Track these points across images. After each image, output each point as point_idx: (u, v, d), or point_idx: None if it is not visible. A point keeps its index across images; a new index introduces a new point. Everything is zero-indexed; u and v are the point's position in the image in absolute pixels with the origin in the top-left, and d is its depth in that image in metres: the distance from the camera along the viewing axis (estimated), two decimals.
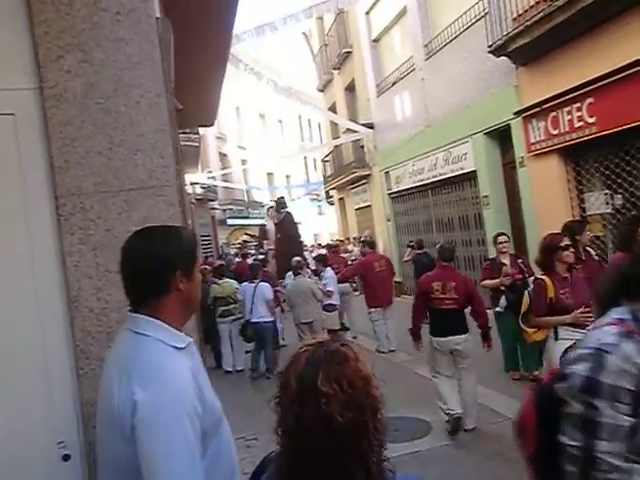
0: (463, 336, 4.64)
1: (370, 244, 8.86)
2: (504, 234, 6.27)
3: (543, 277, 3.68)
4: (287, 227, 10.68)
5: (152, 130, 2.02)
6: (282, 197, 11.76)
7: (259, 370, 7.42)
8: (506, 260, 5.96)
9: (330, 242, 15.84)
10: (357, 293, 10.43)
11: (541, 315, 3.61)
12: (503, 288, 5.76)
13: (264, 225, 11.99)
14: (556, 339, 3.50)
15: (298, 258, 8.68)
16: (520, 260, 6.13)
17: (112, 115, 1.97)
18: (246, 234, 20.45)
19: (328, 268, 8.13)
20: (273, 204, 14.40)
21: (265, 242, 11.85)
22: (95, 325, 1.92)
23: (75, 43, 1.92)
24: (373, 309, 8.04)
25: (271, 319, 7.37)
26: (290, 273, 8.04)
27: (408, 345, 5.76)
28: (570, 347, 1.69)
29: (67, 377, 1.87)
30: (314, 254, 19.08)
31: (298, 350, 1.14)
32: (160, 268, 1.38)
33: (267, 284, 7.50)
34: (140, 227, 1.99)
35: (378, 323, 8.01)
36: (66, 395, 1.86)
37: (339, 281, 8.30)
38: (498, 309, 5.87)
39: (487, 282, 6.04)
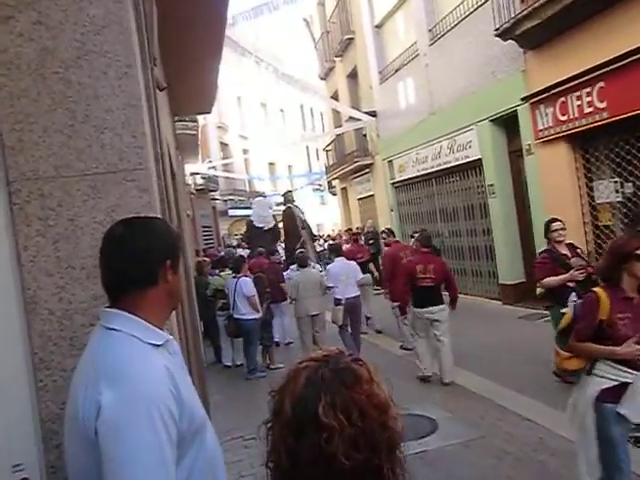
0: (439, 307, 5.77)
1: (392, 232, 8.20)
2: (558, 219, 5.12)
3: (598, 290, 2.75)
4: (286, 223, 10.54)
5: (122, 105, 1.77)
6: (290, 191, 11.59)
7: (252, 368, 7.06)
8: (564, 250, 4.92)
9: (351, 230, 15.30)
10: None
11: (584, 339, 2.75)
12: (572, 285, 4.59)
13: (289, 207, 11.82)
14: (589, 373, 2.74)
15: (302, 249, 8.47)
16: (578, 249, 5.14)
17: (74, 87, 1.71)
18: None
19: (337, 259, 7.29)
20: (259, 199, 14.24)
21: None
22: (56, 330, 1.68)
23: (28, 1, 1.66)
24: (395, 303, 7.12)
25: (254, 316, 6.88)
26: (294, 265, 7.76)
27: None
28: (609, 389, 1.40)
29: (24, 390, 1.63)
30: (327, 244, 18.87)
31: (297, 364, 0.91)
32: (150, 257, 1.29)
33: (248, 279, 6.99)
34: (108, 216, 1.76)
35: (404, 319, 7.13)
36: (23, 411, 1.62)
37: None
38: (566, 310, 4.70)
39: (551, 280, 4.72)
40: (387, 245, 8.09)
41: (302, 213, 10.85)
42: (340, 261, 7.18)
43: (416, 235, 9.50)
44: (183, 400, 1.21)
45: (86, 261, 1.71)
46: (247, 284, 6.87)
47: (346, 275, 6.87)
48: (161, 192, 2.30)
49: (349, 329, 6.86)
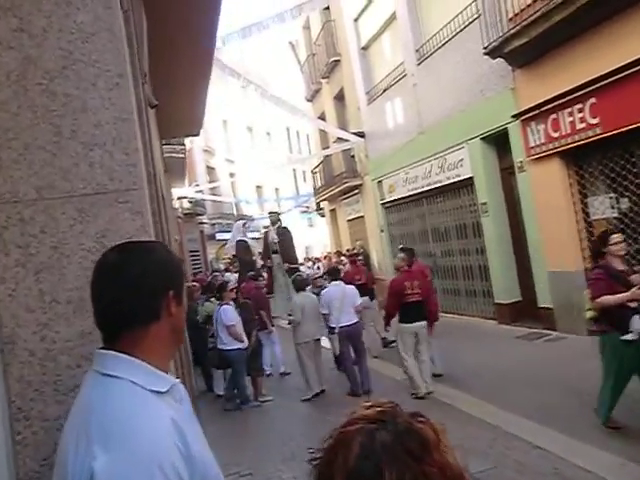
0: (422, 323, 6.01)
1: (410, 251, 6.69)
2: (617, 231, 4.57)
3: None
4: (286, 243, 10.27)
5: (112, 119, 1.59)
6: (274, 212, 11.34)
7: (234, 401, 6.71)
8: (621, 265, 4.32)
9: (348, 250, 15.04)
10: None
11: None
12: (634, 305, 4.05)
13: (244, 240, 11.41)
14: None
15: (300, 273, 8.22)
16: (636, 266, 4.66)
17: (59, 99, 1.54)
18: (223, 251, 20.11)
19: (333, 283, 6.67)
20: (245, 220, 14.03)
21: (255, 257, 11.32)
22: (38, 373, 1.46)
23: (7, 6, 1.49)
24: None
25: (236, 346, 6.43)
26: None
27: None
28: None
29: None
30: (316, 267, 18.60)
31: (348, 420, 0.72)
32: (151, 288, 1.10)
33: (228, 307, 6.58)
34: (98, 242, 1.57)
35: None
36: None
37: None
38: (629, 336, 4.01)
39: (610, 298, 4.10)
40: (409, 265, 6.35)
41: (277, 235, 10.39)
42: (336, 285, 6.67)
43: (401, 253, 9.21)
44: (193, 457, 1.01)
45: (72, 294, 1.51)
46: (227, 312, 6.47)
47: (341, 301, 6.42)
48: (154, 215, 2.12)
49: (350, 359, 6.52)
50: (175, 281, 1.16)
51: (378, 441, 0.66)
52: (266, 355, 7.77)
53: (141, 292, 1.08)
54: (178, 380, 1.17)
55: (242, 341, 6.48)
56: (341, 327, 6.34)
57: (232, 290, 7.10)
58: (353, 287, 6.83)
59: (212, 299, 7.70)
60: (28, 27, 1.52)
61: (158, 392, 1.05)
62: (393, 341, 7.80)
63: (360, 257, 12.08)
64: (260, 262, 11.14)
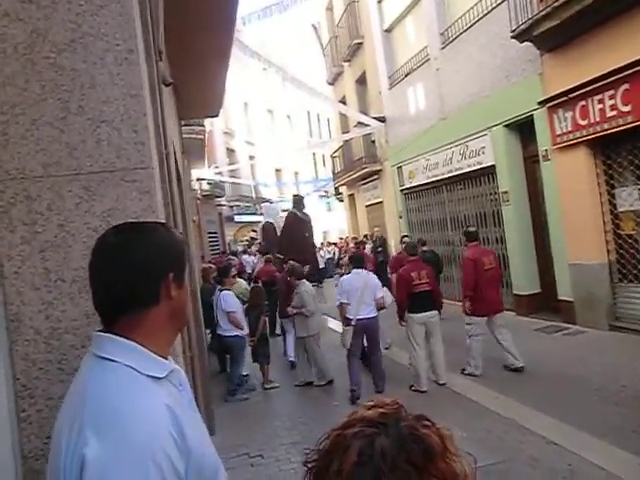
0: (434, 312, 5.97)
1: (473, 234, 6.55)
2: None
3: None
4: (299, 227, 10.06)
5: (121, 95, 1.55)
6: (297, 195, 11.19)
7: (230, 389, 6.52)
8: None
9: (365, 236, 14.87)
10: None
11: None
12: None
13: (271, 222, 11.35)
14: None
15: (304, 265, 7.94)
16: None
17: (67, 74, 1.50)
18: (253, 230, 20.01)
19: (355, 271, 6.12)
20: (268, 202, 13.98)
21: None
22: (43, 352, 1.45)
23: None
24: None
25: (236, 333, 6.30)
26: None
27: None
28: None
29: (4, 422, 1.40)
30: (328, 252, 18.54)
31: (347, 421, 0.67)
32: (151, 270, 1.07)
33: (229, 293, 6.43)
34: (104, 221, 1.54)
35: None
36: (2, 446, 1.39)
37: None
38: None
39: None
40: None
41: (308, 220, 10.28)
42: (357, 274, 6.06)
43: (405, 240, 8.97)
44: (189, 447, 0.98)
45: (78, 273, 1.49)
46: (227, 298, 6.34)
47: (361, 291, 5.86)
48: (165, 195, 2.08)
49: (358, 355, 6.06)
50: (176, 264, 1.11)
51: (378, 447, 0.61)
52: (290, 342, 7.50)
53: (140, 275, 1.05)
54: (177, 366, 1.14)
55: (242, 328, 6.35)
56: (359, 319, 5.84)
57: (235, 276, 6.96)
58: (376, 277, 6.28)
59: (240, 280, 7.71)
60: None
61: (155, 377, 1.02)
62: (387, 348, 7.70)
63: (373, 244, 11.98)
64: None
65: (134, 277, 1.05)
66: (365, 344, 6.19)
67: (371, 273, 6.32)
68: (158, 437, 0.93)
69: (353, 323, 5.81)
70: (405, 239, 7.95)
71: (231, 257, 12.21)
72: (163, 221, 1.86)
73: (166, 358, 1.09)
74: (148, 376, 1.01)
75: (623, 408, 4.61)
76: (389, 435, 0.63)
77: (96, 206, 1.52)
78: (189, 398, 1.15)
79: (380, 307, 5.96)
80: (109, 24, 1.53)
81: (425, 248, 9.10)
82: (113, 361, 1.00)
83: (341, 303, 5.97)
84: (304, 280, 6.70)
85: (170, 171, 2.48)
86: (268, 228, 11.31)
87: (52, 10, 1.49)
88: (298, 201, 10.61)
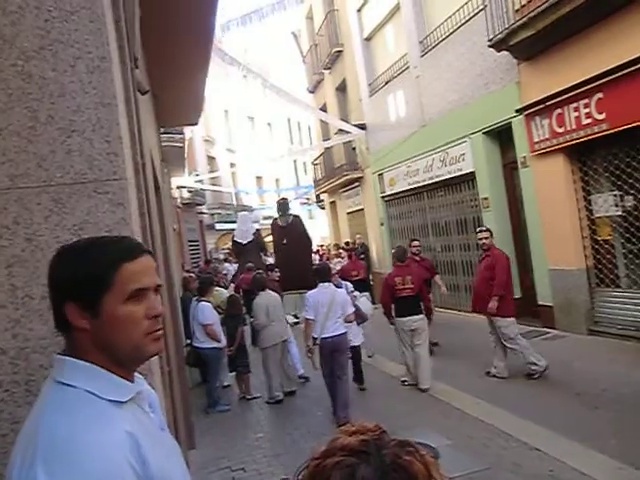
0: (419, 316, 6.09)
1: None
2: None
3: None
4: (296, 232, 9.80)
5: (93, 104, 1.50)
6: (285, 198, 11.01)
7: (210, 401, 6.37)
8: None
9: (346, 243, 14.72)
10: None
11: None
12: None
13: (258, 230, 11.21)
14: None
15: (260, 271, 7.72)
16: None
17: (35, 82, 1.44)
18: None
19: (322, 285, 5.54)
20: (246, 211, 13.81)
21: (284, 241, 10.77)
22: (9, 373, 1.38)
23: None
24: (510, 319, 5.93)
25: (213, 345, 6.17)
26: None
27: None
28: None
29: None
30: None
31: (327, 449, 0.64)
32: (52, 298, 1.03)
33: (207, 305, 6.25)
34: (75, 235, 1.48)
35: (519, 337, 5.94)
36: None
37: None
38: None
39: None
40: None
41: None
42: (324, 288, 5.50)
43: (415, 243, 8.74)
44: (151, 476, 0.93)
45: (47, 289, 1.42)
46: (205, 310, 6.18)
47: (328, 307, 5.34)
48: (141, 206, 2.03)
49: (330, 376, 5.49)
50: (81, 291, 0.99)
51: (359, 478, 0.58)
52: (294, 353, 7.02)
53: (51, 299, 1.04)
54: (145, 386, 1.09)
55: (219, 341, 6.23)
56: (324, 338, 5.30)
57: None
58: (344, 291, 5.84)
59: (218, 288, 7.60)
60: (3, 3, 1.42)
61: (117, 402, 0.97)
62: (370, 356, 7.67)
63: (358, 251, 11.98)
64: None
65: (52, 300, 1.04)
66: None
67: (338, 289, 5.86)
68: (114, 469, 0.87)
69: (318, 342, 5.35)
70: (415, 243, 7.72)
71: (217, 266, 12.08)
72: (132, 232, 1.81)
73: (131, 380, 1.04)
74: (110, 401, 0.96)
75: (603, 412, 4.66)
76: (370, 464, 0.59)
77: (67, 219, 1.47)
78: (160, 420, 1.10)
79: (348, 321, 5.56)
80: (80, 31, 1.48)
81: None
82: (70, 386, 0.95)
83: (306, 319, 5.51)
84: (267, 291, 6.46)
85: (147, 180, 2.42)
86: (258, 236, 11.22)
87: (19, 16, 1.43)
88: (278, 206, 10.49)
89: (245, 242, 10.91)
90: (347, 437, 0.64)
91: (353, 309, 5.68)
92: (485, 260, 6.18)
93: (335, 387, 5.34)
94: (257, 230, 11.79)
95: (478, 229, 6.41)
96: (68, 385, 0.96)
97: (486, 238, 6.10)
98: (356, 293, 6.65)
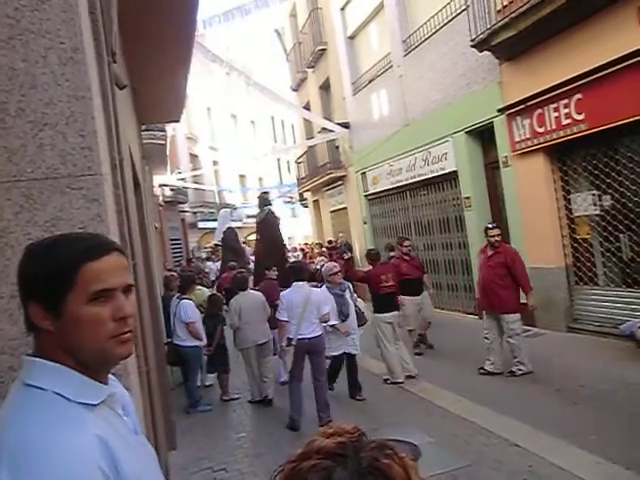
0: (397, 312, 6.32)
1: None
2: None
3: None
4: (268, 228, 9.59)
5: (66, 97, 1.45)
6: (267, 192, 10.80)
7: (191, 401, 6.30)
8: None
9: (329, 242, 14.64)
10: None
11: None
12: None
13: (231, 228, 11.02)
14: None
15: (242, 270, 7.62)
16: None
17: (4, 73, 1.39)
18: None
19: (297, 284, 5.43)
20: (228, 209, 13.64)
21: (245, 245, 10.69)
22: None
23: None
24: (518, 314, 5.94)
25: (194, 343, 6.11)
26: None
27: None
28: None
29: None
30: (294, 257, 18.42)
31: (302, 452, 0.62)
32: (21, 295, 0.99)
33: (189, 303, 6.21)
34: (47, 232, 1.44)
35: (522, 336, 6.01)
36: None
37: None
38: None
39: None
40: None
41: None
42: (299, 287, 5.37)
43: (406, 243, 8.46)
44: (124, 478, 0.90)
45: (16, 288, 1.37)
46: (187, 308, 6.11)
47: (303, 307, 5.20)
48: (118, 202, 1.98)
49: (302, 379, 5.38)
50: (43, 291, 0.95)
51: (337, 477, 0.56)
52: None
53: (20, 298, 1.00)
54: (117, 388, 1.05)
55: (201, 339, 6.17)
56: (299, 339, 5.17)
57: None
58: (320, 291, 5.70)
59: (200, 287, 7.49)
60: None
61: (88, 405, 0.93)
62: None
63: (341, 250, 11.95)
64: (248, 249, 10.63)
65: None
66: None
67: (315, 288, 5.85)
68: (83, 475, 0.84)
69: (294, 343, 5.21)
70: (406, 242, 7.47)
71: (200, 264, 11.94)
72: (108, 229, 1.76)
73: (105, 382, 1.01)
74: (80, 404, 0.92)
75: (582, 408, 4.73)
76: (347, 468, 0.57)
77: (38, 215, 1.42)
78: (134, 423, 1.06)
79: (324, 321, 5.41)
80: (51, 20, 1.43)
81: (393, 253, 9.14)
82: (42, 390, 0.91)
83: (279, 320, 5.38)
84: (248, 291, 6.32)
85: (125, 177, 2.37)
86: (228, 234, 11.09)
87: None
88: (258, 201, 10.24)
89: (217, 242, 10.77)
90: (324, 439, 0.62)
91: (329, 309, 5.44)
92: (495, 257, 5.98)
93: (316, 388, 5.29)
94: (229, 228, 11.63)
95: (490, 226, 6.15)
96: (37, 387, 0.92)
97: (498, 235, 6.00)
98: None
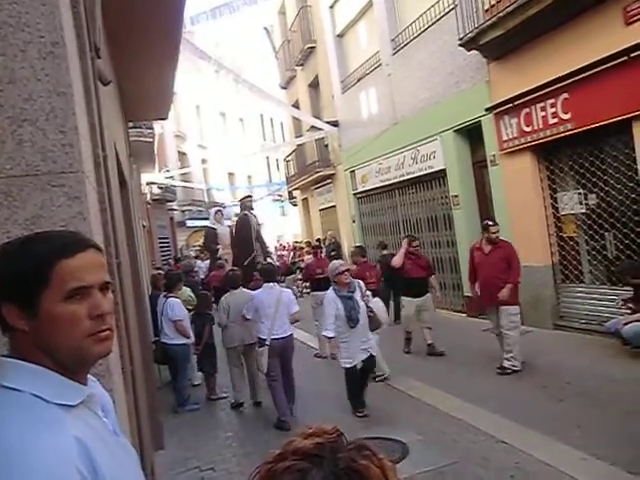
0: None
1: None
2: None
3: None
4: (240, 231, 9.68)
5: (46, 92, 1.43)
6: (248, 196, 10.76)
7: (179, 399, 6.23)
8: None
9: (318, 240, 14.60)
10: None
11: None
12: None
13: (213, 228, 10.91)
14: None
15: (235, 268, 7.54)
16: None
17: None
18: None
19: (267, 285, 5.56)
20: (220, 208, 13.61)
21: (219, 246, 10.70)
22: None
23: None
24: (517, 307, 6.02)
25: (182, 341, 6.06)
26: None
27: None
28: None
29: None
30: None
31: (279, 453, 0.61)
32: None
33: (176, 301, 6.15)
34: (27, 230, 1.40)
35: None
36: None
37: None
38: None
39: None
40: (355, 264, 7.50)
41: (258, 224, 9.87)
42: (269, 289, 5.48)
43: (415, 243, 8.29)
44: None
45: None
46: (174, 307, 6.06)
47: (275, 307, 5.30)
48: (102, 200, 1.96)
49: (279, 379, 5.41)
50: (15, 291, 0.92)
51: (312, 478, 0.55)
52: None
53: None
54: (100, 389, 1.03)
55: (188, 337, 6.11)
56: (274, 339, 5.25)
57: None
58: (290, 292, 5.85)
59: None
60: None
61: (66, 405, 0.91)
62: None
63: (327, 248, 11.96)
64: (221, 251, 10.56)
65: None
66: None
67: (285, 288, 5.97)
68: (61, 475, 0.82)
69: (267, 343, 5.24)
70: (415, 242, 7.27)
71: (190, 262, 11.82)
72: (91, 227, 1.74)
73: (83, 382, 0.99)
74: (58, 405, 0.90)
75: (568, 404, 4.77)
76: (324, 469, 0.56)
77: (18, 213, 1.39)
78: (114, 424, 1.04)
79: (294, 321, 5.54)
80: (30, 14, 1.40)
81: (385, 252, 9.18)
82: (19, 391, 0.89)
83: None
84: (240, 290, 6.19)
85: (109, 174, 2.34)
86: (208, 234, 11.06)
87: None
88: (240, 205, 10.26)
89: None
90: (302, 440, 0.61)
91: (297, 308, 5.55)
92: (496, 252, 6.00)
93: (285, 385, 5.42)
94: (208, 227, 11.59)
95: (490, 223, 6.16)
96: (13, 389, 0.90)
97: (497, 231, 6.08)
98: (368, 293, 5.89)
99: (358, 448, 0.60)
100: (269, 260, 9.25)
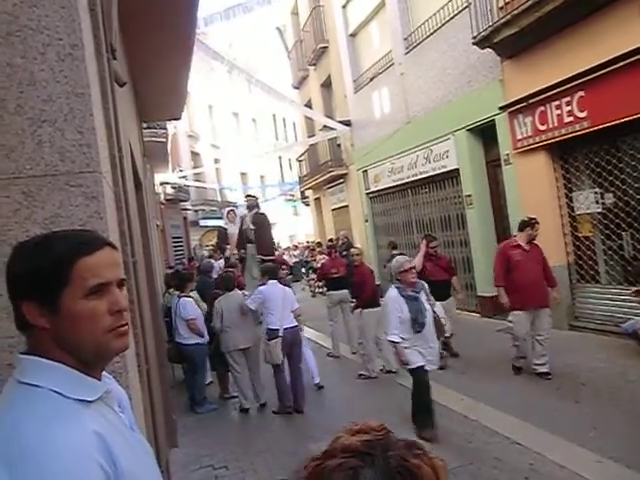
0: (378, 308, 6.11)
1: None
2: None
3: None
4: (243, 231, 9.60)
5: (64, 94, 1.45)
6: (250, 196, 10.65)
7: (198, 399, 6.18)
8: None
9: (330, 240, 14.47)
10: None
11: None
12: None
13: (224, 228, 10.87)
14: None
15: (230, 269, 7.46)
16: None
17: (3, 70, 1.39)
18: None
19: (271, 282, 5.85)
20: (232, 207, 13.61)
21: (228, 247, 10.64)
22: None
23: None
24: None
25: (196, 340, 6.01)
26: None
27: None
28: None
29: None
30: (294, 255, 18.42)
31: (328, 450, 0.61)
32: (11, 294, 0.97)
33: (189, 300, 6.12)
34: (46, 229, 1.43)
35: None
36: None
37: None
38: None
39: None
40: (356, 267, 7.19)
41: (254, 224, 9.62)
42: (274, 284, 5.83)
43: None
44: (121, 475, 0.90)
45: None
46: (186, 306, 6.03)
47: (282, 300, 5.65)
48: (118, 200, 1.98)
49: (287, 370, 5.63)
50: (36, 288, 0.94)
51: (363, 478, 0.55)
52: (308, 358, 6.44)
53: (10, 297, 0.98)
54: (113, 386, 1.05)
55: (202, 336, 6.08)
56: (286, 329, 5.55)
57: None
58: (290, 290, 6.09)
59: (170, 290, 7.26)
60: None
61: (84, 401, 0.93)
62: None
63: (341, 248, 11.94)
64: (229, 251, 10.53)
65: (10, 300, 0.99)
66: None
67: (286, 287, 6.06)
68: (82, 470, 0.84)
69: (280, 334, 5.43)
70: (434, 242, 6.86)
71: (210, 261, 11.85)
72: (108, 227, 1.76)
73: (99, 378, 1.00)
74: (76, 400, 0.92)
75: (583, 406, 4.72)
76: (375, 467, 0.56)
77: (37, 212, 1.42)
78: (130, 420, 1.06)
79: (296, 316, 5.81)
80: (50, 17, 1.43)
81: (395, 252, 9.11)
82: (37, 387, 0.91)
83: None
84: (235, 292, 6.15)
85: (124, 175, 2.37)
86: (219, 233, 11.09)
87: None
88: (253, 203, 10.10)
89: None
90: (349, 437, 0.60)
91: (298, 305, 5.95)
92: (533, 251, 5.71)
93: (296, 377, 5.72)
94: (220, 227, 11.61)
95: (533, 220, 5.79)
96: (32, 385, 0.92)
97: (537, 230, 5.72)
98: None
99: (409, 446, 0.60)
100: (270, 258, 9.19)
